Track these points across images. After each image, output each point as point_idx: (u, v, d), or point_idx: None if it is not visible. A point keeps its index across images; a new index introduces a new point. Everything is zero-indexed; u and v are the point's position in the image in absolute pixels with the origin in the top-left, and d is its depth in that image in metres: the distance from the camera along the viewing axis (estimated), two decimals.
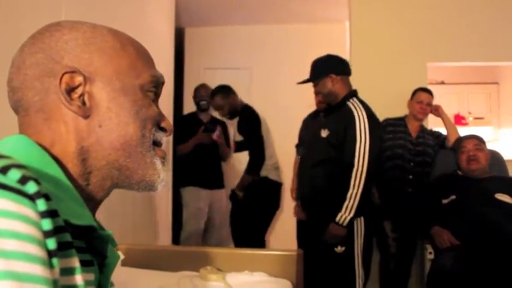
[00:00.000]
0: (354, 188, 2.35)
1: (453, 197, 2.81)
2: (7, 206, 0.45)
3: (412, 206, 3.22)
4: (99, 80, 0.64)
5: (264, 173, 3.77)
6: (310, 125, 3.31)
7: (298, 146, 3.71)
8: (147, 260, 1.99)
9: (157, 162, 0.68)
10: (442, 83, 6.00)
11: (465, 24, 3.79)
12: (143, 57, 0.71)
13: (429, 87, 3.55)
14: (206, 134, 3.78)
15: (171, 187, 3.67)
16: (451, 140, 3.34)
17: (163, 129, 0.71)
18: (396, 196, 3.34)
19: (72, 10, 1.97)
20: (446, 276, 2.48)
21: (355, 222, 2.38)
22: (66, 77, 0.63)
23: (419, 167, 3.34)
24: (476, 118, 6.00)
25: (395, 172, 3.35)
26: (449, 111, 5.91)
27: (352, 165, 2.35)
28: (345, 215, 2.34)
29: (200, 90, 4.02)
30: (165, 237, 3.51)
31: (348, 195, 2.35)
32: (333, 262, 2.30)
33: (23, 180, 0.47)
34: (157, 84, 0.71)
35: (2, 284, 0.42)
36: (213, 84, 4.82)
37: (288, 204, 3.06)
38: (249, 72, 4.81)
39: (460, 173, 2.99)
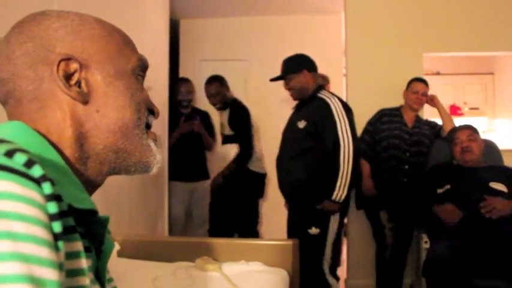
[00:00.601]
0: (344, 167, 2.54)
1: (448, 186, 2.82)
2: (14, 189, 0.45)
3: (408, 195, 3.23)
4: (94, 66, 0.66)
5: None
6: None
7: None
8: (143, 251, 1.99)
9: (152, 144, 0.71)
10: (438, 73, 6.01)
11: (461, 14, 3.78)
12: (128, 42, 0.73)
13: (425, 77, 3.55)
14: (187, 123, 3.84)
15: (167, 178, 3.67)
16: (447, 130, 3.35)
17: (152, 113, 0.74)
18: (392, 186, 3.36)
19: (65, 1, 1.96)
20: (442, 264, 2.49)
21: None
22: (62, 64, 0.63)
23: (415, 157, 3.35)
24: (471, 108, 6.03)
25: (391, 162, 3.36)
26: (445, 102, 5.92)
27: (339, 145, 2.55)
28: (339, 192, 2.55)
29: (181, 87, 4.04)
30: (161, 228, 3.52)
31: (340, 173, 2.54)
32: (305, 241, 2.32)
33: (29, 163, 0.48)
34: (144, 67, 0.74)
35: (10, 265, 0.43)
36: (207, 76, 4.82)
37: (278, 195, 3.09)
38: (244, 64, 4.80)
39: (454, 162, 3.00)
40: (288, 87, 2.82)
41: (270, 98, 4.59)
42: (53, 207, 0.48)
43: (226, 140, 3.93)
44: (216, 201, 3.94)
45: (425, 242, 2.90)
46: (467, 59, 5.52)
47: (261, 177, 3.99)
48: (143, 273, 1.78)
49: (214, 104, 3.91)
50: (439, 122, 3.48)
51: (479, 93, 6.03)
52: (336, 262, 2.73)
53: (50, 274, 0.45)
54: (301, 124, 2.64)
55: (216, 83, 3.85)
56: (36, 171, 0.48)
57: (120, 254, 1.92)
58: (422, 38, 3.80)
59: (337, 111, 2.59)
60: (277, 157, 2.85)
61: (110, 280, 0.74)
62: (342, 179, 2.54)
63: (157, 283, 1.69)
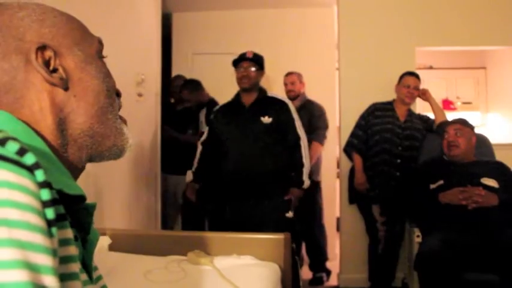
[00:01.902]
0: (306, 157, 2.93)
1: (441, 182, 2.83)
2: (7, 177, 0.46)
3: (400, 190, 3.25)
4: (65, 53, 0.66)
5: None
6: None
7: None
8: (135, 244, 1.99)
9: (125, 128, 0.72)
10: (431, 67, 6.02)
11: (454, 8, 3.79)
12: (84, 27, 0.73)
13: (417, 72, 3.56)
14: (191, 136, 3.97)
15: (160, 172, 3.66)
16: (438, 119, 3.37)
17: (118, 95, 0.74)
18: (384, 180, 3.37)
19: None
20: (433, 258, 2.50)
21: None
22: (39, 52, 0.63)
23: (407, 151, 3.36)
24: (464, 103, 6.05)
25: (383, 156, 3.37)
26: (438, 96, 5.93)
27: (299, 139, 2.92)
28: (306, 180, 2.93)
29: (174, 82, 4.28)
30: (153, 222, 3.51)
31: (305, 163, 2.91)
32: (284, 224, 2.80)
33: (21, 151, 0.48)
34: (102, 48, 0.73)
35: (6, 251, 0.43)
36: (201, 70, 4.80)
37: None
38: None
39: (446, 158, 3.01)
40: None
41: None
42: (46, 194, 0.49)
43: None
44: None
45: (417, 236, 2.91)
46: (460, 53, 5.53)
47: None
48: (135, 266, 1.77)
49: (190, 106, 4.04)
50: (432, 116, 3.49)
51: (471, 87, 6.05)
52: None
53: (45, 260, 0.46)
54: (266, 120, 2.90)
55: (186, 90, 4.01)
56: (29, 159, 0.48)
57: (111, 248, 1.92)
58: (415, 32, 3.81)
59: (293, 110, 2.99)
60: (236, 150, 2.98)
61: (96, 268, 0.74)
62: (307, 167, 2.92)
63: (150, 277, 1.69)
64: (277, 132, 2.89)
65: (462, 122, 3.01)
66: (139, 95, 3.13)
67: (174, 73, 4.89)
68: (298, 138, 2.92)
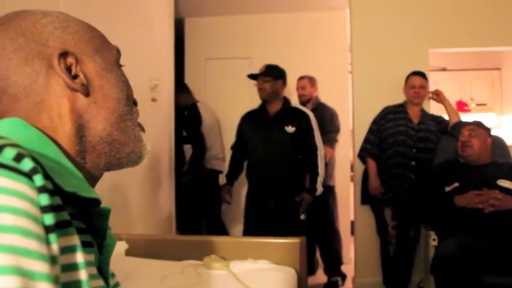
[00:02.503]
0: (322, 167, 3.11)
1: (456, 184, 2.80)
2: (4, 183, 0.45)
3: (415, 192, 3.22)
4: (86, 60, 0.67)
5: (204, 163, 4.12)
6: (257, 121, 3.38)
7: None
8: (150, 249, 1.99)
9: (142, 135, 0.73)
10: (444, 69, 5.98)
11: (467, 9, 3.76)
12: (104, 36, 0.73)
13: (431, 74, 3.54)
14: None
15: (174, 177, 3.68)
16: (452, 120, 3.34)
17: (134, 104, 0.74)
18: (399, 183, 3.35)
19: (71, 1, 1.97)
20: (450, 261, 2.48)
21: None
22: (61, 58, 0.64)
23: (422, 153, 3.33)
24: (478, 104, 5.99)
25: (397, 159, 3.35)
26: (452, 98, 5.87)
27: (316, 149, 3.10)
28: (319, 188, 3.10)
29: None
30: (168, 226, 3.53)
31: (320, 172, 3.10)
32: (298, 227, 3.04)
33: (18, 157, 0.47)
34: (120, 57, 0.74)
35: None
36: (214, 75, 4.82)
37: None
38: (250, 62, 4.79)
39: (461, 160, 2.98)
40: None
41: None
42: (44, 200, 0.48)
43: (184, 140, 4.13)
44: (181, 199, 4.03)
45: (434, 240, 2.89)
46: (474, 55, 5.48)
47: (216, 174, 4.20)
48: (151, 271, 1.78)
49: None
50: (446, 117, 3.46)
51: (486, 89, 5.99)
52: None
53: (39, 266, 0.45)
54: (290, 129, 3.10)
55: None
56: (26, 164, 0.48)
57: (128, 253, 1.93)
58: (428, 34, 3.79)
59: (314, 122, 3.16)
60: (256, 154, 3.22)
61: (113, 275, 0.74)
62: (321, 176, 3.11)
63: (166, 281, 1.69)
64: (298, 141, 3.09)
65: (477, 124, 2.98)
66: (153, 100, 3.15)
67: (187, 78, 4.91)
68: (315, 148, 3.11)
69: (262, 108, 3.23)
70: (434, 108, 3.80)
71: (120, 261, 1.82)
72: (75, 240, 0.54)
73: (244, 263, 1.84)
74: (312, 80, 4.05)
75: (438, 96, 3.45)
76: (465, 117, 3.66)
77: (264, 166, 3.14)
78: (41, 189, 0.48)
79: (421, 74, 3.42)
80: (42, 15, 0.66)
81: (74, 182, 0.57)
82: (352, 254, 4.22)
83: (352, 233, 4.23)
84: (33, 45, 0.63)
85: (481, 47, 3.91)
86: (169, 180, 3.60)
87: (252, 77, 3.21)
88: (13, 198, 0.45)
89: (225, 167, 4.03)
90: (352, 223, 4.20)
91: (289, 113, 3.15)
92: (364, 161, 3.59)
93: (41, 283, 0.44)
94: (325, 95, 4.52)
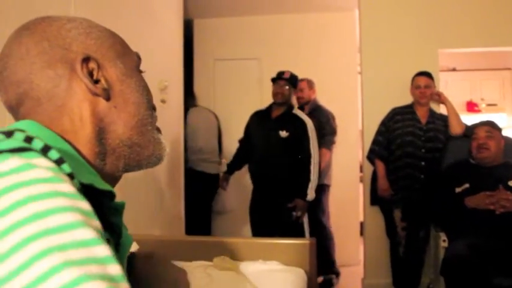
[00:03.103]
0: (314, 173, 3.21)
1: (467, 185, 2.79)
2: (48, 163, 0.49)
3: (424, 193, 3.21)
4: (107, 65, 0.68)
5: (190, 164, 4.16)
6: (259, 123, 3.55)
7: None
8: (161, 250, 2.00)
9: (161, 137, 0.74)
10: (454, 69, 5.95)
11: (477, 9, 3.74)
12: (125, 42, 0.75)
13: (440, 74, 3.52)
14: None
15: (183, 178, 3.69)
16: (453, 129, 3.31)
17: (153, 109, 0.76)
18: (408, 183, 3.33)
19: (82, 2, 1.98)
20: (461, 263, 2.47)
21: None
22: (83, 63, 0.65)
23: (430, 152, 3.32)
24: (489, 105, 5.95)
25: (406, 160, 3.34)
26: (462, 98, 5.87)
27: (310, 156, 3.21)
28: (310, 195, 3.20)
29: None
30: (178, 227, 3.54)
31: (312, 179, 3.20)
32: (290, 229, 3.19)
33: (46, 148, 0.52)
34: (140, 63, 0.76)
35: (70, 215, 0.46)
36: (223, 75, 4.83)
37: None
38: (259, 63, 4.80)
39: (472, 161, 2.96)
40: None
41: None
42: (75, 185, 0.52)
43: None
44: None
45: (444, 241, 2.87)
46: (484, 55, 5.44)
47: (203, 176, 4.23)
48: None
49: None
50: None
51: (496, 89, 5.95)
52: None
53: (99, 225, 0.50)
54: (283, 134, 3.25)
55: None
56: (53, 154, 0.51)
57: (137, 254, 1.93)
58: (437, 34, 3.77)
59: (310, 128, 3.27)
60: (254, 156, 3.43)
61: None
62: (313, 182, 3.21)
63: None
64: (291, 146, 3.22)
65: (492, 125, 2.95)
66: (163, 101, 3.16)
67: (195, 79, 4.93)
68: (309, 155, 3.23)
69: (268, 110, 3.42)
70: (444, 108, 3.78)
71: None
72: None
73: (254, 264, 1.85)
74: (310, 83, 4.08)
75: (439, 97, 3.44)
76: (475, 118, 3.63)
77: (261, 164, 3.37)
78: (70, 176, 0.51)
79: (427, 74, 3.41)
80: (67, 21, 0.68)
81: (89, 176, 0.58)
82: (361, 255, 4.21)
83: (361, 233, 4.22)
84: (56, 50, 0.64)
85: (491, 47, 3.89)
86: (178, 182, 3.61)
87: (276, 78, 3.36)
88: (56, 173, 0.49)
89: (223, 169, 4.19)
90: (362, 224, 4.19)
91: (287, 118, 3.31)
92: (373, 163, 3.58)
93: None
94: (334, 96, 4.52)
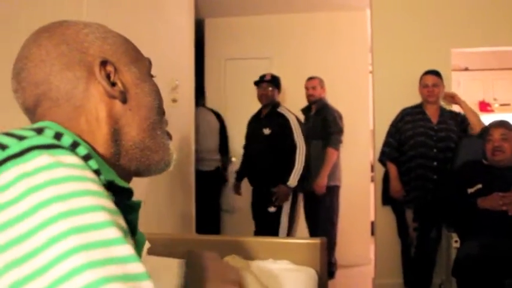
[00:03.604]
0: (299, 161, 3.40)
1: (479, 186, 2.76)
2: (77, 160, 0.52)
3: (437, 194, 3.18)
4: (123, 69, 0.70)
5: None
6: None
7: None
8: (171, 248, 2.01)
9: (170, 144, 0.76)
10: (466, 69, 5.90)
11: (489, 8, 3.70)
12: (137, 48, 0.77)
13: (453, 74, 3.49)
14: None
15: (194, 178, 3.70)
16: (474, 129, 3.29)
17: (164, 113, 0.78)
18: (421, 184, 3.31)
19: (94, 2, 1.99)
20: (473, 263, 2.45)
21: None
22: (101, 66, 0.67)
23: (443, 152, 3.30)
24: (502, 105, 5.89)
25: (418, 161, 3.32)
26: (474, 98, 5.82)
27: (296, 146, 3.41)
28: (292, 181, 3.37)
29: None
30: (188, 226, 3.55)
31: (296, 165, 3.38)
32: (267, 217, 3.47)
33: (75, 144, 0.55)
34: (151, 68, 0.78)
35: (98, 215, 0.48)
36: (234, 75, 4.83)
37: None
38: (269, 62, 4.79)
39: (485, 161, 2.93)
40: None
41: (297, 95, 4.58)
42: (102, 179, 0.55)
43: None
44: None
45: (456, 241, 2.85)
46: (497, 54, 5.38)
47: (204, 174, 4.31)
48: (172, 270, 1.79)
49: None
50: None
51: (509, 88, 5.89)
52: (291, 228, 3.56)
53: (124, 223, 0.52)
54: (267, 131, 3.52)
55: None
56: (82, 150, 0.54)
57: (148, 252, 1.94)
58: (450, 33, 3.74)
59: (293, 123, 3.49)
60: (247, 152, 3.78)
61: None
62: (296, 170, 3.39)
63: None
64: (276, 141, 3.48)
65: (506, 126, 2.90)
66: (174, 100, 3.17)
67: (206, 79, 4.94)
68: (295, 146, 3.44)
69: (259, 111, 3.71)
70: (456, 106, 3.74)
71: (143, 259, 1.83)
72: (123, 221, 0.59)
73: (265, 263, 1.85)
74: (321, 82, 4.09)
75: (453, 98, 3.40)
76: (488, 118, 3.60)
77: (250, 162, 3.70)
78: (97, 172, 0.54)
79: (434, 73, 3.38)
80: (84, 26, 0.70)
81: (109, 174, 0.60)
82: (372, 255, 4.20)
83: (372, 233, 4.20)
84: (75, 53, 0.67)
85: (504, 46, 3.85)
86: (189, 180, 3.62)
87: (259, 81, 3.63)
88: (87, 171, 0.52)
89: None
90: (372, 224, 4.17)
91: (272, 117, 3.56)
92: (384, 165, 3.56)
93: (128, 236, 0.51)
94: (345, 95, 4.51)
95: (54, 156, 0.50)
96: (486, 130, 2.99)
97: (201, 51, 4.81)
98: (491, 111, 5.81)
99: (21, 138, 0.51)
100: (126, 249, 0.47)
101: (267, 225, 3.47)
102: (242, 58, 4.85)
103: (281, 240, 1.99)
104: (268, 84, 3.57)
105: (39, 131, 0.53)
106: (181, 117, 3.41)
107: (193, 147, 3.67)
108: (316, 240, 1.92)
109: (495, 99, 5.92)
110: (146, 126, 0.71)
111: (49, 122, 0.63)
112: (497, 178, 2.76)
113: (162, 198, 3.03)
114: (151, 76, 0.76)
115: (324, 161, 3.79)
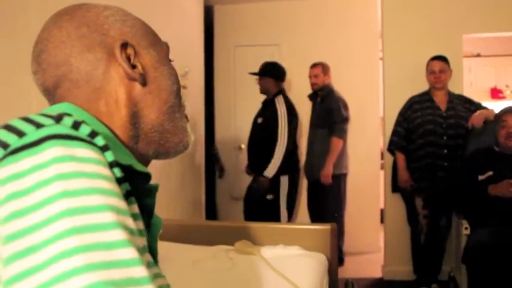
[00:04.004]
0: (277, 153, 3.44)
1: (490, 173, 2.75)
2: (91, 154, 0.50)
3: (447, 181, 3.17)
4: (142, 52, 0.70)
5: None
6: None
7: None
8: (183, 234, 2.03)
9: (188, 126, 0.76)
10: (478, 55, 5.83)
11: None
12: (155, 31, 0.77)
13: (464, 60, 3.44)
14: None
15: (204, 164, 3.71)
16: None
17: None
18: (431, 172, 3.29)
19: None
20: (483, 251, 2.44)
21: (280, 178, 3.47)
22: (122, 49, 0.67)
23: (453, 139, 3.27)
24: None
25: (428, 149, 3.30)
26: (486, 85, 5.77)
27: (277, 139, 3.44)
28: (268, 172, 3.42)
29: None
30: (198, 212, 3.57)
31: (273, 159, 3.43)
32: (265, 205, 3.49)
33: (93, 134, 0.53)
34: (169, 52, 0.78)
35: (104, 215, 0.47)
36: (244, 62, 4.81)
37: None
38: (278, 49, 4.77)
39: (496, 148, 2.91)
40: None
41: (306, 82, 4.56)
42: (117, 172, 0.54)
43: None
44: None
45: (466, 229, 2.84)
46: (509, 40, 5.32)
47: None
48: (184, 256, 1.81)
49: None
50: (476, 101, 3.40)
51: None
52: (291, 215, 3.64)
53: (132, 224, 0.50)
54: (259, 120, 3.59)
55: None
56: (99, 141, 0.53)
57: (160, 237, 1.96)
58: (461, 19, 3.69)
59: (281, 114, 3.49)
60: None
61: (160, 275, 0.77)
62: (273, 163, 3.43)
63: (198, 265, 1.72)
64: (266, 131, 3.52)
65: None
66: (184, 87, 3.18)
67: (216, 66, 4.93)
68: (276, 140, 3.47)
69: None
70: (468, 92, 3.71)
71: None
72: (136, 208, 0.59)
73: (275, 249, 1.86)
74: (325, 68, 3.94)
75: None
76: (500, 105, 3.56)
77: (247, 150, 3.78)
78: (112, 164, 0.53)
79: (441, 58, 3.33)
80: (104, 8, 0.70)
81: (127, 158, 0.61)
82: (381, 242, 4.20)
83: (382, 221, 4.20)
84: (95, 35, 0.67)
85: None
86: (200, 168, 3.63)
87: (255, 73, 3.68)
88: (101, 167, 0.50)
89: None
90: (382, 211, 4.17)
91: (266, 107, 3.61)
92: (393, 154, 3.55)
93: (137, 238, 0.50)
94: (355, 82, 4.48)
95: (68, 149, 0.49)
96: (498, 116, 2.96)
97: (210, 38, 4.79)
98: (503, 97, 5.76)
99: (39, 125, 0.51)
100: (130, 252, 0.46)
101: (265, 214, 3.49)
102: (251, 45, 4.83)
103: (291, 226, 2.00)
104: (261, 76, 3.61)
105: (58, 119, 0.52)
106: (191, 103, 3.42)
107: (203, 133, 3.68)
108: (327, 226, 1.92)
109: (507, 86, 5.86)
110: (166, 110, 0.71)
111: (66, 104, 0.64)
112: (508, 165, 2.74)
113: (172, 184, 3.04)
114: (170, 60, 0.76)
115: (328, 150, 3.78)
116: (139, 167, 0.61)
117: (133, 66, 0.68)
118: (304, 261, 1.76)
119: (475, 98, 3.49)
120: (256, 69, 3.74)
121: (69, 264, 0.43)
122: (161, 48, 0.74)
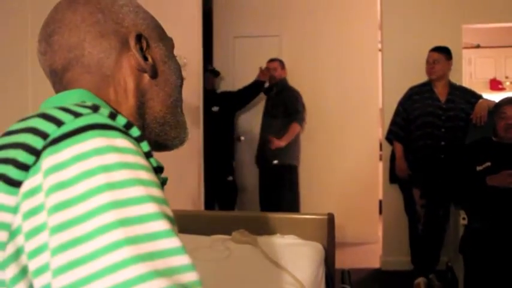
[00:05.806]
0: None
1: (488, 163, 2.75)
2: (130, 145, 0.51)
3: (444, 171, 3.17)
4: (153, 45, 0.71)
5: None
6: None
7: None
8: (180, 224, 2.03)
9: (186, 121, 0.78)
10: (478, 46, 5.82)
11: None
12: (162, 26, 0.78)
13: (464, 51, 3.44)
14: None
15: (202, 156, 3.72)
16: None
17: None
18: (429, 163, 3.30)
19: None
20: (479, 240, 2.46)
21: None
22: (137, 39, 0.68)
23: (451, 131, 3.27)
24: None
25: (426, 140, 3.30)
26: (485, 76, 5.76)
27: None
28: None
29: None
30: (197, 203, 3.58)
31: None
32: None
33: (129, 125, 0.55)
34: (174, 48, 0.79)
35: (149, 206, 0.48)
36: (243, 53, 4.81)
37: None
38: (278, 40, 4.76)
39: (494, 139, 2.91)
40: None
41: (307, 73, 4.55)
42: (153, 162, 0.56)
43: None
44: None
45: (463, 219, 2.85)
46: (509, 31, 5.30)
47: None
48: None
49: None
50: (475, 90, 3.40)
51: None
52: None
53: (171, 212, 0.51)
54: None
55: None
56: (135, 131, 0.55)
57: None
58: (461, 9, 3.68)
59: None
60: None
61: None
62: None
63: (195, 255, 1.73)
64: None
65: None
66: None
67: (215, 57, 4.92)
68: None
69: None
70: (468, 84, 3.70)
71: None
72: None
73: (272, 238, 1.87)
74: (282, 63, 4.18)
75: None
76: (499, 96, 3.55)
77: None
78: (148, 154, 0.55)
79: (437, 49, 3.34)
80: None
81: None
82: (380, 233, 4.22)
83: (381, 212, 4.22)
84: (110, 23, 0.67)
85: None
86: (198, 160, 3.64)
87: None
88: (140, 158, 0.51)
89: None
90: (381, 202, 4.18)
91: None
92: (391, 144, 3.56)
93: (175, 227, 0.51)
94: (354, 73, 4.48)
95: (108, 139, 0.49)
96: (497, 107, 2.95)
97: (209, 29, 4.78)
98: (503, 89, 5.75)
99: (76, 114, 0.51)
100: (174, 242, 0.47)
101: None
102: (251, 36, 4.81)
103: (288, 215, 2.00)
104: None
105: (95, 109, 0.53)
106: (189, 95, 3.41)
107: (201, 124, 3.68)
108: (323, 216, 1.93)
109: (507, 77, 5.85)
110: (170, 103, 0.72)
111: (83, 90, 0.64)
112: (506, 155, 2.74)
113: (171, 174, 3.04)
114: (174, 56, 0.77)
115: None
116: (154, 160, 0.61)
117: (145, 58, 0.69)
118: (301, 250, 1.78)
119: (474, 89, 3.49)
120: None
121: (117, 257, 0.43)
122: (168, 42, 0.75)
